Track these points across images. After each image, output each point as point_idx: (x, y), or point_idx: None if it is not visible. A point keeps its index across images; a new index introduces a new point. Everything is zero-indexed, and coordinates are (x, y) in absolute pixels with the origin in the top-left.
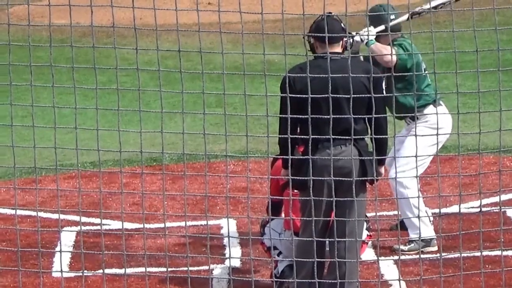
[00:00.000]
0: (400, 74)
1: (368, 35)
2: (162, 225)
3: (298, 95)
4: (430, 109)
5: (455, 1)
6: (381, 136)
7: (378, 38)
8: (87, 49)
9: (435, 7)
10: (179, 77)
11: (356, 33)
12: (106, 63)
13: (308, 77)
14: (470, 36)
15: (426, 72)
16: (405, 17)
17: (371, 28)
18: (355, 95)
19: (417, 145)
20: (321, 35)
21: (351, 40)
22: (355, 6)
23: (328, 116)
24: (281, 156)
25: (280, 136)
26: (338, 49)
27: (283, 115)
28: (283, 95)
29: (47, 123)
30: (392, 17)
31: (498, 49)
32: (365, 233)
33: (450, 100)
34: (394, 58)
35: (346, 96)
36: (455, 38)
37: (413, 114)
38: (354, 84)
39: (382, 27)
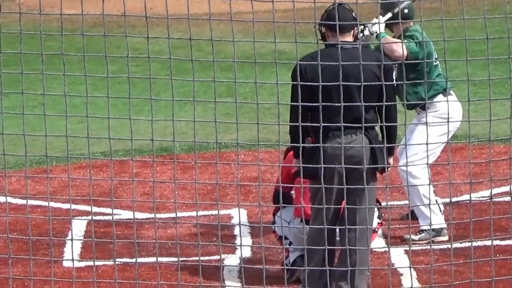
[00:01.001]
0: (412, 62)
1: (378, 27)
2: (173, 215)
3: (309, 83)
4: (440, 98)
5: None
6: (391, 124)
7: (390, 26)
8: (98, 39)
9: None
10: (189, 67)
11: (365, 26)
12: (117, 52)
13: (319, 66)
14: (481, 25)
15: (437, 61)
16: (410, 1)
17: (380, 17)
18: (366, 84)
19: (427, 135)
20: (332, 23)
21: (362, 31)
22: None
23: (339, 104)
24: (293, 145)
25: (290, 124)
26: (349, 38)
27: (294, 103)
28: (294, 83)
29: (58, 113)
30: (405, 5)
31: (509, 37)
32: (376, 221)
33: (460, 89)
34: (405, 52)
35: (357, 84)
36: (466, 27)
37: (423, 103)
38: (365, 73)
39: (389, 15)
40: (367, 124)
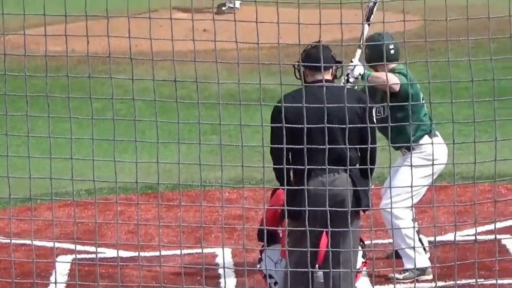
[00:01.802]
0: (400, 104)
1: (362, 68)
2: (157, 253)
3: (293, 125)
4: (425, 139)
5: None
6: (372, 163)
7: (375, 68)
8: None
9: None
10: (174, 105)
11: (348, 74)
12: (102, 90)
13: (303, 106)
14: (465, 63)
15: (424, 101)
16: (366, 27)
17: (355, 60)
18: (349, 124)
19: (412, 176)
20: (312, 64)
21: (348, 79)
22: (351, 33)
23: (323, 146)
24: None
25: (275, 167)
26: (328, 76)
27: (277, 145)
28: (275, 125)
29: (42, 152)
30: (391, 46)
31: (493, 79)
32: (360, 260)
33: (445, 127)
34: (398, 80)
35: (341, 126)
36: (450, 66)
37: (409, 145)
38: (347, 112)
39: (359, 52)
40: (349, 164)
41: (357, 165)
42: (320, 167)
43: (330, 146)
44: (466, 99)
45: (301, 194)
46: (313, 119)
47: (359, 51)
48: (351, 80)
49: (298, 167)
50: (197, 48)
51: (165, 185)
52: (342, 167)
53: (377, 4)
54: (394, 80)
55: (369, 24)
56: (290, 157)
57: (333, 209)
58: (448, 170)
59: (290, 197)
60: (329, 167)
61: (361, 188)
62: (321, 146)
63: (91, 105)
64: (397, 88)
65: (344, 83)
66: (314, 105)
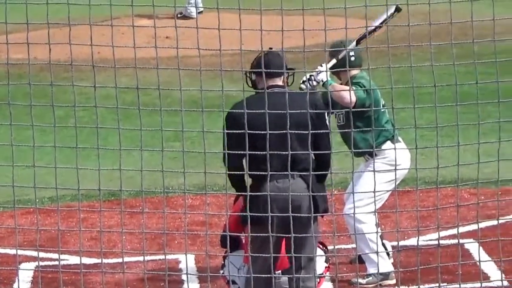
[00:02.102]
0: (359, 110)
1: (326, 75)
2: (120, 260)
3: (250, 131)
4: (388, 145)
5: (396, 13)
6: (325, 166)
7: (338, 74)
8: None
9: (379, 26)
10: (137, 111)
11: (311, 75)
12: (64, 97)
13: (258, 112)
14: (427, 68)
15: (385, 107)
16: (353, 44)
17: (324, 65)
18: (304, 129)
19: (375, 181)
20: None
21: (309, 80)
22: (313, 40)
23: (279, 152)
24: (240, 193)
25: (230, 173)
26: (280, 82)
27: (231, 151)
28: (229, 131)
29: (5, 160)
30: (352, 53)
31: (456, 84)
32: (323, 265)
33: (408, 132)
34: (354, 98)
35: (297, 131)
36: (413, 71)
37: (371, 150)
38: (301, 116)
39: (333, 61)
40: (305, 168)
41: (313, 169)
42: (276, 172)
43: (285, 152)
44: (429, 104)
45: (258, 200)
46: (265, 124)
47: (334, 61)
48: (313, 83)
49: (254, 173)
50: (159, 55)
51: (128, 192)
52: (298, 172)
53: (375, 31)
54: (347, 97)
55: (357, 43)
56: (245, 163)
57: (285, 214)
58: (411, 175)
59: (247, 203)
60: (284, 172)
61: (318, 193)
62: (278, 152)
63: (54, 112)
64: (351, 105)
65: (304, 81)
66: (270, 111)
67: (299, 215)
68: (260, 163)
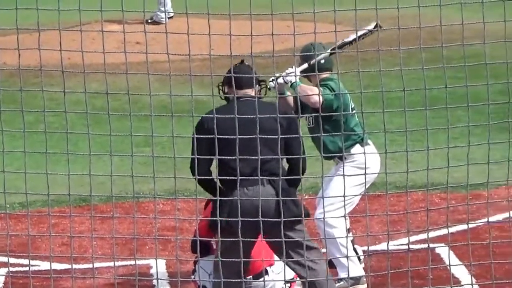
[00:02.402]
0: (327, 114)
1: (295, 77)
2: (91, 265)
3: (218, 136)
4: (357, 148)
5: (376, 29)
6: (296, 174)
7: (308, 76)
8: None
9: (357, 38)
10: (107, 117)
11: (280, 75)
12: (34, 103)
13: (227, 119)
14: (397, 73)
15: (354, 111)
16: (327, 53)
17: (294, 67)
18: (273, 135)
19: (345, 185)
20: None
21: (276, 79)
22: (283, 45)
23: (250, 157)
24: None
25: (199, 178)
26: (251, 93)
27: (199, 157)
28: (198, 136)
29: None
30: (322, 56)
31: (425, 88)
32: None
33: (378, 137)
34: (321, 98)
35: (264, 136)
36: (383, 75)
37: (341, 154)
38: (270, 124)
39: (305, 66)
40: (273, 175)
41: (284, 175)
42: (243, 179)
43: (254, 157)
44: (398, 109)
45: (226, 206)
46: (234, 131)
47: (305, 65)
48: (280, 80)
49: (223, 177)
50: (130, 60)
51: (99, 197)
52: (267, 178)
53: (351, 44)
54: (315, 98)
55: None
56: (216, 169)
57: (246, 219)
58: (381, 179)
59: (215, 209)
60: (254, 177)
61: (288, 198)
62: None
63: (23, 118)
64: (317, 105)
65: (272, 80)
66: (239, 116)
67: (265, 219)
68: (229, 169)
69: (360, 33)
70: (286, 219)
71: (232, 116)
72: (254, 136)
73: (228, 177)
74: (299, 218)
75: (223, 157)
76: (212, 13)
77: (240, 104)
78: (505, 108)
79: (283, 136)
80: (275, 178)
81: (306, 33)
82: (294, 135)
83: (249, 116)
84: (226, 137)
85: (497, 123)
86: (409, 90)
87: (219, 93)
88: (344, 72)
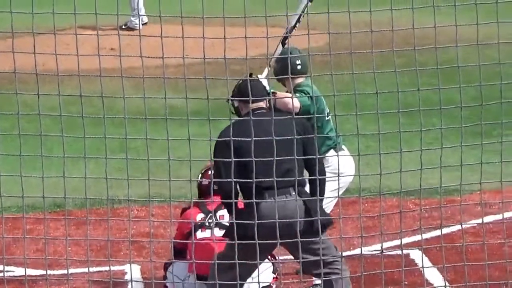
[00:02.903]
0: (303, 118)
1: (267, 83)
2: (66, 271)
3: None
4: (332, 153)
5: (309, 4)
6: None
7: (283, 81)
8: None
9: (298, 20)
10: (81, 122)
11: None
12: (8, 109)
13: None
14: (371, 78)
15: (329, 116)
16: (279, 46)
17: (262, 75)
18: (292, 146)
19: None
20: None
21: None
22: (257, 50)
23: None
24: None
25: (226, 190)
26: (262, 105)
27: (225, 176)
28: (222, 160)
29: None
30: (298, 62)
31: (398, 91)
32: (271, 275)
33: (352, 142)
34: (298, 104)
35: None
36: (356, 81)
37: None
38: (288, 133)
39: (266, 71)
40: (299, 185)
41: (306, 185)
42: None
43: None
44: (373, 115)
45: (253, 217)
46: (257, 145)
47: (266, 70)
48: None
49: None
50: (104, 66)
51: (74, 202)
52: (293, 189)
53: (296, 28)
54: (290, 104)
55: (283, 45)
56: (238, 187)
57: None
58: (356, 185)
59: (241, 218)
60: (280, 189)
61: (314, 208)
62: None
63: None
64: (296, 110)
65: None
66: (259, 130)
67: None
68: (254, 183)
69: (297, 15)
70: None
71: (249, 131)
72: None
73: (252, 191)
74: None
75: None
76: (186, 15)
77: (254, 116)
78: (479, 112)
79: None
80: (300, 188)
81: (278, 36)
82: (313, 149)
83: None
84: (247, 150)
85: (470, 126)
86: (381, 93)
87: (229, 108)
88: (317, 75)
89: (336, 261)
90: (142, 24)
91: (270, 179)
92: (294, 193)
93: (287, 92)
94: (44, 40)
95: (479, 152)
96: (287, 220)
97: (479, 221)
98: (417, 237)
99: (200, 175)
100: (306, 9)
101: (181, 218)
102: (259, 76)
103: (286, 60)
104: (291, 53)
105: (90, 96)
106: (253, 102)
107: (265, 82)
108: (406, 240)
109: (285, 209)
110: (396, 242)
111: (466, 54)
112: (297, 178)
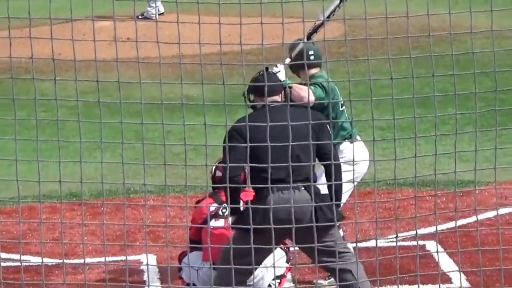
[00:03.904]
0: (318, 109)
1: (284, 73)
2: (82, 260)
3: (253, 143)
4: (345, 144)
5: (341, 4)
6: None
7: (297, 72)
8: (6, 85)
9: (327, 19)
10: (97, 112)
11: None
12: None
13: (260, 126)
14: (388, 70)
15: (343, 107)
16: (301, 44)
17: (280, 65)
18: (306, 141)
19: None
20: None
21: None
22: (273, 41)
23: (285, 164)
24: (233, 205)
25: (230, 176)
26: (278, 99)
27: (232, 163)
28: (231, 144)
29: None
30: (311, 52)
31: (412, 76)
32: (284, 265)
33: (368, 134)
34: (313, 97)
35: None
36: (373, 72)
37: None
38: (303, 129)
39: (288, 60)
40: (308, 180)
41: (318, 180)
42: (280, 182)
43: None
44: (389, 105)
45: (260, 209)
46: (271, 138)
47: (287, 60)
48: None
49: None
50: (120, 56)
51: (90, 192)
52: (302, 183)
53: (323, 26)
54: (306, 96)
55: (308, 39)
56: (248, 174)
57: (278, 225)
58: (371, 176)
59: (245, 210)
60: (287, 183)
61: (322, 203)
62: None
63: (15, 109)
64: (310, 104)
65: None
66: (272, 124)
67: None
68: (264, 174)
69: (328, 12)
70: (321, 224)
71: (263, 122)
72: (287, 142)
73: (263, 182)
74: (332, 223)
75: (255, 164)
76: (202, 1)
77: (271, 110)
78: (494, 104)
79: (314, 142)
80: (310, 183)
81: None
82: (327, 140)
83: (277, 123)
84: (260, 144)
85: (484, 111)
86: (396, 79)
87: (245, 101)
88: (335, 60)
89: (348, 252)
90: (159, 14)
91: (279, 172)
92: (303, 189)
93: (301, 83)
94: (59, 30)
95: (494, 143)
96: (296, 214)
97: (494, 212)
98: (432, 228)
99: (214, 166)
100: (338, 7)
101: (194, 209)
102: (278, 65)
103: (299, 51)
104: (304, 45)
105: (107, 82)
106: (268, 95)
107: (282, 73)
108: (421, 231)
109: (293, 203)
110: (411, 232)
111: (482, 47)
112: (308, 172)
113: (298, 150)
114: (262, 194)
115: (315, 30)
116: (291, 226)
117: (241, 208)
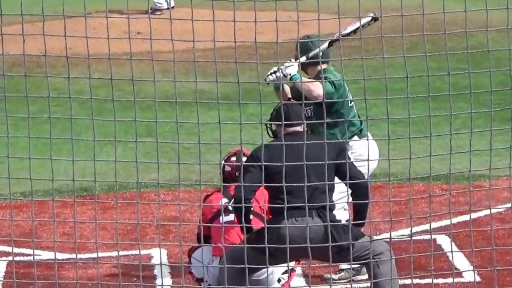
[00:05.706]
0: (327, 105)
1: (296, 69)
2: (93, 255)
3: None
4: (355, 139)
5: (372, 22)
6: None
7: (305, 69)
8: (18, 79)
9: (354, 31)
10: (110, 107)
11: (279, 68)
12: (37, 93)
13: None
14: (400, 64)
15: (353, 102)
16: (325, 45)
17: (293, 61)
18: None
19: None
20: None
21: (271, 76)
22: (285, 35)
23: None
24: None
25: (239, 194)
26: (300, 129)
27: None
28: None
29: None
30: (322, 48)
31: (428, 75)
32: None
33: (380, 128)
34: (323, 91)
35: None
36: (385, 66)
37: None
38: (320, 158)
39: (303, 59)
40: (325, 208)
41: (333, 211)
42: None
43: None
44: (402, 100)
45: (274, 234)
46: (289, 168)
47: (304, 58)
48: (278, 74)
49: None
50: (132, 50)
51: (101, 187)
52: (316, 212)
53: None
54: (316, 90)
55: (329, 46)
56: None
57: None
58: (383, 170)
59: (259, 234)
60: (302, 210)
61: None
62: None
63: (28, 105)
64: (320, 98)
65: (271, 73)
66: (292, 151)
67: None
68: (280, 201)
69: (356, 25)
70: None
71: (282, 151)
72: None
73: (278, 209)
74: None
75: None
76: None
77: (290, 138)
78: (507, 98)
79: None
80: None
81: (309, 20)
82: (346, 166)
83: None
84: (277, 170)
85: (499, 110)
86: (411, 77)
87: (267, 130)
88: (347, 59)
89: (381, 253)
90: (171, 8)
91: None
92: (317, 217)
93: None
94: (71, 25)
95: (507, 137)
96: (310, 241)
97: (507, 206)
98: (444, 222)
99: (223, 161)
100: (368, 24)
101: (205, 207)
102: (291, 60)
103: (306, 47)
104: (312, 41)
105: (119, 80)
106: (290, 126)
107: (295, 68)
108: (433, 225)
109: (305, 231)
110: (423, 227)
111: (495, 42)
112: (325, 202)
113: (316, 178)
114: (276, 220)
115: (337, 39)
116: (304, 245)
117: (253, 228)
